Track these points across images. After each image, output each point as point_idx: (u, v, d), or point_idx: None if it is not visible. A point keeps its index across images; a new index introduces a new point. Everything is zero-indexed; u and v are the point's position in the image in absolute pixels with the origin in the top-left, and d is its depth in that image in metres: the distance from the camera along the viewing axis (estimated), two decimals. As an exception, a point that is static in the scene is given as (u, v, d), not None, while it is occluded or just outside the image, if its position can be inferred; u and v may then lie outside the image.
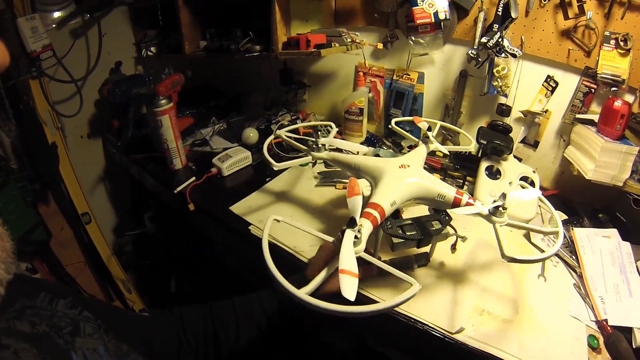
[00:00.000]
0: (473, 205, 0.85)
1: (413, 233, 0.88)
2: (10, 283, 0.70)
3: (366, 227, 0.77)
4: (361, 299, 0.92)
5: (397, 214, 0.95)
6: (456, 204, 0.87)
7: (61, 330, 0.61)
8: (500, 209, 0.82)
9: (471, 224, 1.13)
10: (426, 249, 1.01)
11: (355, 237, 0.71)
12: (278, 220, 0.82)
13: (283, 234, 1.12)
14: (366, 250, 0.74)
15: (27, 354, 0.54)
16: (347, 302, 0.60)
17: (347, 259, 0.66)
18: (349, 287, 0.61)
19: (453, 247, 1.01)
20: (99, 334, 0.65)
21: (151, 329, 0.81)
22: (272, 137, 1.23)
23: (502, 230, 0.82)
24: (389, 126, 1.29)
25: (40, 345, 0.56)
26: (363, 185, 1.05)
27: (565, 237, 1.13)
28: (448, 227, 0.93)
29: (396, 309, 0.90)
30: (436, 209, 0.93)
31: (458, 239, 0.97)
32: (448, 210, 0.91)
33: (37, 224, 1.55)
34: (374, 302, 0.92)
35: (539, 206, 1.22)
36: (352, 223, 0.72)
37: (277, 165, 1.12)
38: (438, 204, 0.90)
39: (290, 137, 1.21)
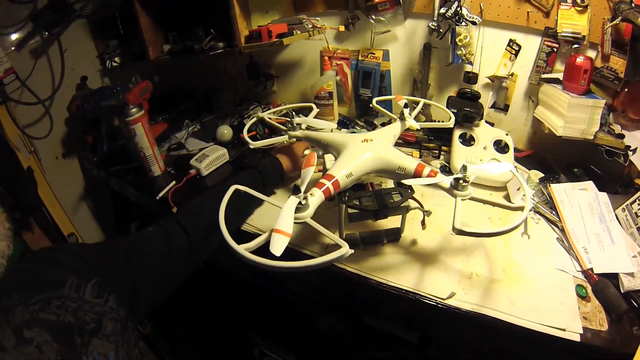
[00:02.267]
0: (433, 177, 0.85)
1: (369, 204, 0.89)
2: (30, 265, 0.69)
3: (317, 196, 0.80)
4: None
5: (363, 186, 0.97)
6: (417, 176, 0.88)
7: (84, 326, 0.62)
8: (462, 181, 0.81)
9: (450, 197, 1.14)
10: (398, 224, 1.02)
11: (300, 203, 0.75)
12: (241, 190, 0.87)
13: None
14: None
15: (50, 348, 0.55)
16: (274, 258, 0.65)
17: (285, 221, 0.71)
18: (279, 244, 0.67)
19: (422, 223, 1.00)
20: (116, 336, 0.66)
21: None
22: (253, 119, 1.35)
23: (464, 202, 0.81)
24: (370, 105, 1.29)
25: (61, 338, 0.57)
26: (328, 159, 1.07)
27: (543, 193, 1.16)
28: (410, 200, 0.93)
29: (384, 281, 0.93)
30: (400, 183, 0.93)
31: (424, 214, 0.97)
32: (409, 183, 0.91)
33: (24, 252, 1.52)
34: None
35: (516, 167, 1.23)
36: (295, 190, 0.76)
37: (253, 144, 1.23)
38: (399, 176, 0.91)
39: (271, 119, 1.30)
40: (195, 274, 1.00)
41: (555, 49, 1.27)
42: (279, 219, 0.71)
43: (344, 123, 1.63)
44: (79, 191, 1.98)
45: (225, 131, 1.58)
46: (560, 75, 1.23)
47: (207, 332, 1.91)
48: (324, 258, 0.66)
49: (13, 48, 1.60)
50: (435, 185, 0.86)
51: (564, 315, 0.83)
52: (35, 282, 0.63)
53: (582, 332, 0.79)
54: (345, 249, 0.68)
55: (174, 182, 1.39)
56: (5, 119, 1.54)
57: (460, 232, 0.77)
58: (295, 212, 0.74)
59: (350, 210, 0.91)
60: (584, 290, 0.88)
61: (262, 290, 1.43)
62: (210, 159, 1.43)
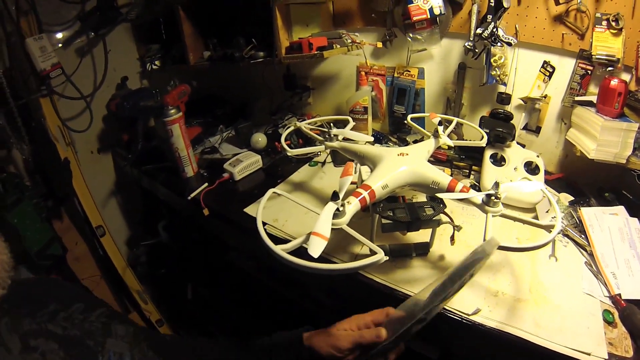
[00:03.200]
0: (466, 192, 0.87)
1: (402, 216, 0.92)
2: (41, 285, 0.72)
3: (353, 204, 0.83)
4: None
5: (395, 199, 0.99)
6: (450, 191, 0.90)
7: (93, 333, 0.63)
8: (493, 198, 0.83)
9: (478, 215, 1.14)
10: (426, 238, 1.03)
11: (337, 210, 0.78)
12: (277, 194, 0.93)
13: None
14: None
15: (54, 356, 0.56)
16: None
17: (323, 224, 0.73)
18: (317, 247, 0.69)
19: (452, 239, 1.01)
20: (129, 337, 0.68)
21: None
22: (290, 128, 1.36)
23: (495, 219, 0.84)
24: (405, 122, 1.31)
25: (69, 346, 0.59)
26: (364, 171, 1.09)
27: (573, 217, 1.16)
28: (442, 215, 0.95)
29: (411, 293, 0.94)
30: (432, 197, 0.96)
31: (454, 229, 0.98)
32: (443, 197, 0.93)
33: (52, 238, 1.58)
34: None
35: (546, 188, 1.24)
36: (334, 197, 0.79)
37: (290, 152, 1.25)
38: (432, 190, 0.93)
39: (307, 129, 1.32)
40: (218, 278, 1.02)
41: (589, 72, 1.27)
42: (317, 223, 0.73)
43: (378, 138, 1.66)
44: (110, 186, 2.04)
45: (260, 139, 1.62)
46: (594, 98, 1.23)
47: (227, 336, 1.93)
48: (361, 262, 0.69)
49: (60, 45, 1.68)
50: (466, 201, 0.88)
51: (590, 340, 0.82)
52: (43, 298, 0.65)
53: (607, 357, 0.78)
54: (381, 255, 0.70)
55: (206, 184, 1.42)
56: (48, 110, 1.61)
57: None
58: (332, 219, 0.76)
59: (383, 221, 0.93)
60: (610, 316, 0.87)
61: (284, 298, 1.44)
62: (244, 164, 1.46)
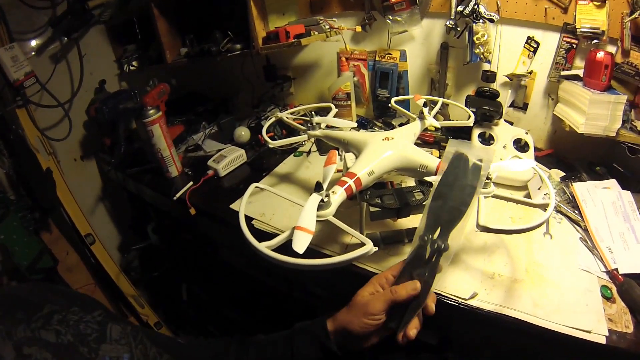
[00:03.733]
0: None
1: (391, 202, 0.89)
2: (39, 288, 0.70)
3: (339, 194, 0.80)
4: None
5: (383, 185, 0.96)
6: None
7: (86, 338, 0.61)
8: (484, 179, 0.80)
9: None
10: (417, 223, 1.01)
11: (322, 201, 0.75)
12: (260, 188, 0.90)
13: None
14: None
15: None
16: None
17: (307, 217, 0.71)
18: (302, 242, 0.66)
19: None
20: (127, 339, 0.65)
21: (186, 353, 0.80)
22: (272, 120, 1.35)
23: (487, 200, 0.82)
24: (389, 105, 1.29)
25: (62, 355, 0.56)
26: (349, 158, 1.06)
27: (565, 192, 1.14)
28: None
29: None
30: (421, 181, 0.93)
31: None
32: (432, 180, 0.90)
33: (42, 251, 1.55)
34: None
35: (537, 166, 1.22)
36: (318, 187, 0.76)
37: (272, 143, 1.22)
38: (421, 174, 0.91)
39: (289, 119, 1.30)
40: (211, 276, 0.99)
41: (574, 45, 1.25)
42: (301, 216, 0.71)
43: (362, 124, 1.63)
44: (97, 192, 2.01)
45: (243, 132, 1.60)
46: (580, 72, 1.21)
47: (225, 335, 1.92)
48: (348, 255, 0.66)
49: (33, 53, 1.63)
50: None
51: (589, 317, 0.81)
52: (40, 302, 0.62)
53: (607, 334, 0.77)
54: (370, 246, 0.68)
55: (191, 183, 1.40)
56: (26, 121, 1.56)
57: (485, 229, 0.77)
58: (317, 210, 0.74)
59: (371, 209, 0.91)
60: (609, 291, 0.86)
61: (279, 293, 1.43)
62: (228, 159, 1.44)
